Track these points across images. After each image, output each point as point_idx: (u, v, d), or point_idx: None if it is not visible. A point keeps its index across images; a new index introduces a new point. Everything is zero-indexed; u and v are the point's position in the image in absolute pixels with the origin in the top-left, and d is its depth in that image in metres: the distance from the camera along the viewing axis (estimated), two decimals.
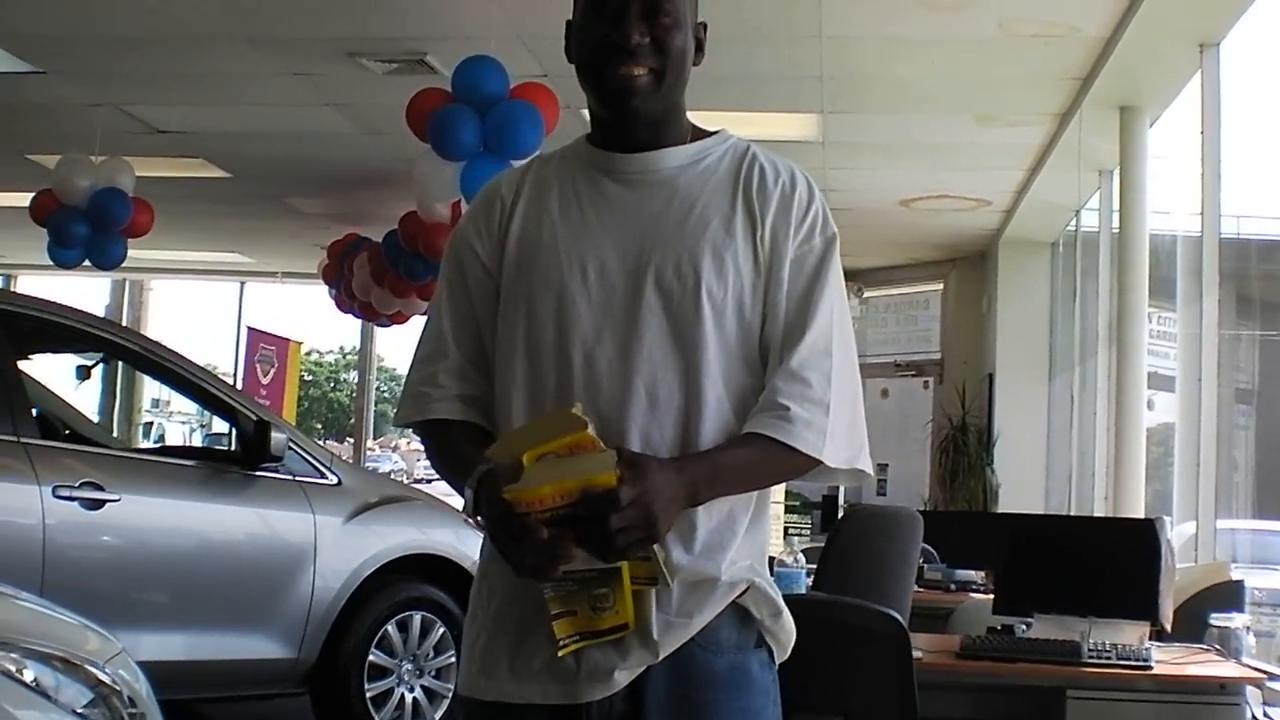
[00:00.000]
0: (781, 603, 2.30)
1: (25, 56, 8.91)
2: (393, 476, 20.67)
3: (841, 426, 2.23)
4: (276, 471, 6.52)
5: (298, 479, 6.61)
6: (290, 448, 6.54)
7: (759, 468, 2.22)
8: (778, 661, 2.33)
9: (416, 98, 7.85)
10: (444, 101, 7.74)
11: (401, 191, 9.99)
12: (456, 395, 2.33)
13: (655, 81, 2.28)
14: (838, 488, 14.75)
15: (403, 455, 50.98)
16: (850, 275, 12.12)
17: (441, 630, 7.06)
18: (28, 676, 3.01)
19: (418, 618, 7.01)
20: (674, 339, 2.22)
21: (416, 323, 13.77)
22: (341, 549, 6.68)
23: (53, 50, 8.83)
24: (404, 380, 2.47)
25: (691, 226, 2.27)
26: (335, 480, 6.80)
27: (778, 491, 14.35)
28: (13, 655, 3.01)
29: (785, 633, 2.32)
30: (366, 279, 12.82)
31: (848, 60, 8.32)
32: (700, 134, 2.39)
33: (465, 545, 6.98)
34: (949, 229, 13.01)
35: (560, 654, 2.08)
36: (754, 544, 2.29)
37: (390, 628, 6.89)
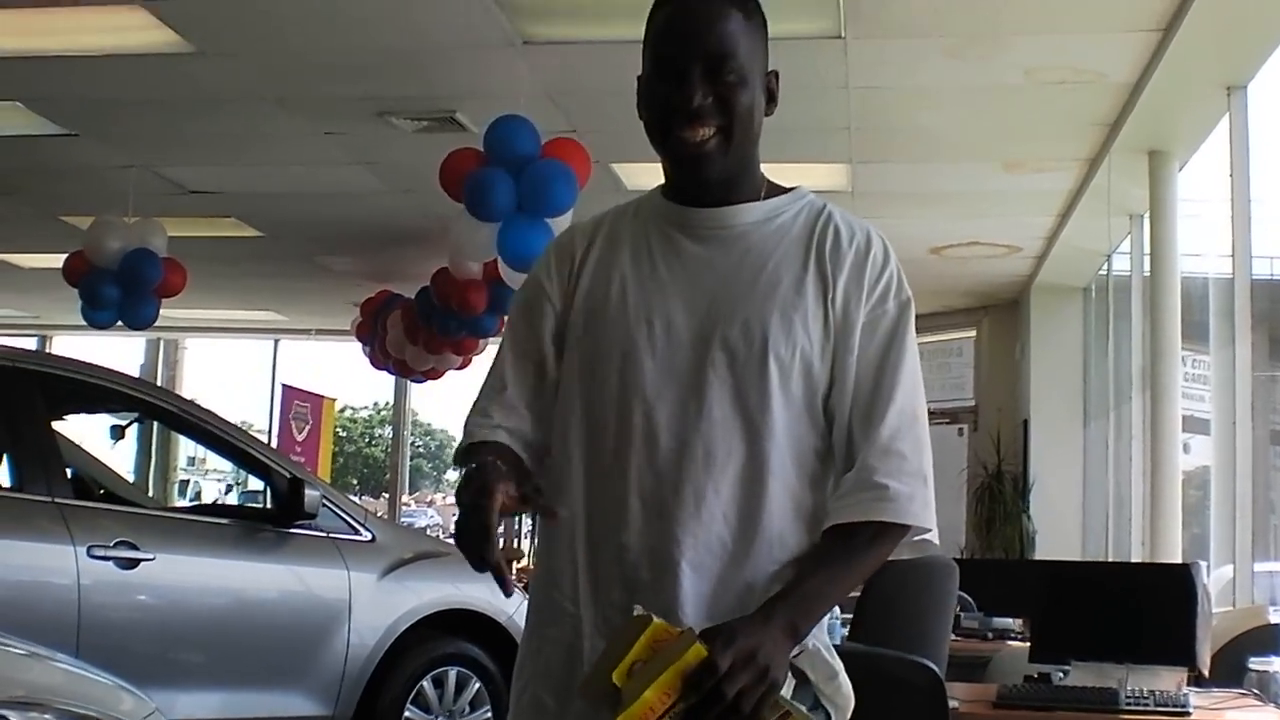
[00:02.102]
0: (838, 666, 2.24)
1: (57, 120, 9.00)
2: (428, 532, 20.69)
3: (931, 497, 2.20)
4: (311, 529, 6.53)
5: (332, 536, 6.62)
6: (324, 504, 6.55)
7: (856, 567, 2.19)
8: None
9: (450, 158, 7.87)
10: (477, 162, 7.75)
11: (433, 248, 10.04)
12: (500, 425, 2.31)
13: (723, 141, 2.22)
14: None
15: (438, 510, 51.01)
16: None
17: (477, 686, 7.05)
18: None
19: (453, 673, 7.00)
20: (737, 399, 2.18)
21: (451, 379, 13.81)
22: (376, 605, 6.68)
23: (84, 113, 8.92)
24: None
25: (762, 286, 2.23)
26: (369, 536, 6.81)
27: None
28: (46, 717, 3.02)
29: (842, 696, 2.25)
30: (400, 336, 12.86)
31: (875, 110, 8.34)
32: (776, 190, 2.34)
33: (500, 600, 6.94)
34: (980, 276, 13.00)
35: None
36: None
37: (426, 684, 6.89)
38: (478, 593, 7.03)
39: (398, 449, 19.88)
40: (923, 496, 2.17)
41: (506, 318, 2.45)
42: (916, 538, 2.21)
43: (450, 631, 7.02)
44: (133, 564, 5.85)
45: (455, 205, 7.93)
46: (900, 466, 2.16)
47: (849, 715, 2.29)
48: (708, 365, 2.19)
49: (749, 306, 2.21)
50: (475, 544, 1.98)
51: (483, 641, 7.05)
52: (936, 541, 2.26)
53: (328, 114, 8.62)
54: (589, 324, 2.29)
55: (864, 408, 2.21)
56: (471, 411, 2.36)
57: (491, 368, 2.40)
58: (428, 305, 11.22)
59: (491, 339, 11.73)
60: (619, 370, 2.23)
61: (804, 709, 2.03)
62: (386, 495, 22.17)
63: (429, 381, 14.15)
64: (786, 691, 2.08)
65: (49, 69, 8.01)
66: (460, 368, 13.30)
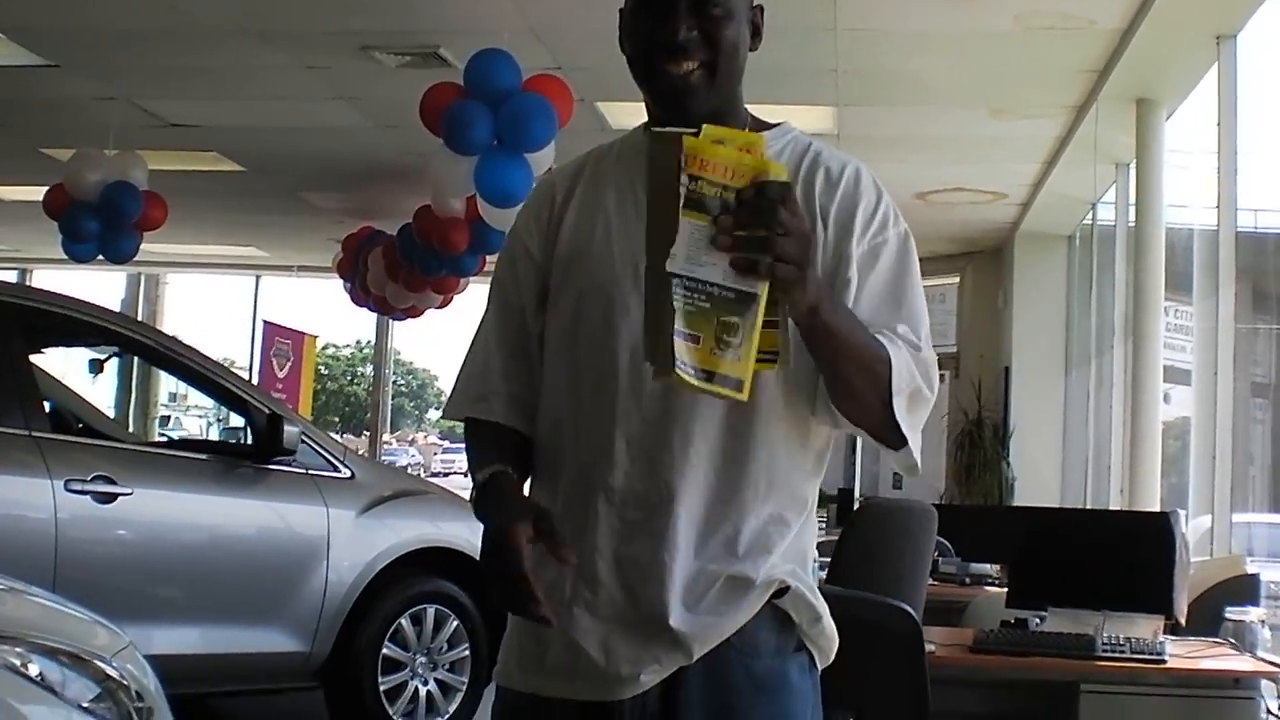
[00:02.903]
0: (822, 608, 2.23)
1: (38, 50, 8.91)
2: (409, 470, 20.70)
3: (916, 405, 2.13)
4: (290, 465, 6.51)
5: (311, 473, 6.59)
6: (303, 441, 6.53)
7: (865, 356, 2.07)
8: (820, 667, 2.28)
9: (429, 92, 7.83)
10: (456, 96, 7.71)
11: (415, 185, 9.98)
12: (505, 394, 2.30)
13: (708, 76, 2.20)
14: (853, 481, 14.75)
15: (419, 449, 51.13)
16: None
17: (455, 624, 7.04)
18: (33, 671, 3.00)
19: (431, 611, 7.00)
20: None
21: (432, 316, 13.78)
22: (355, 542, 6.66)
23: (65, 44, 8.84)
24: (458, 370, 2.42)
25: None
26: (348, 474, 6.79)
27: None
28: (18, 650, 3.00)
29: (826, 638, 2.26)
30: (381, 273, 12.82)
31: (863, 54, 8.29)
32: (761, 126, 2.31)
33: (478, 539, 6.93)
34: (965, 223, 12.98)
35: (671, 379, 1.86)
36: (799, 548, 2.22)
37: (404, 621, 6.88)
38: (457, 531, 7.01)
39: (379, 387, 19.88)
40: (909, 365, 2.10)
41: (493, 272, 2.42)
42: (900, 427, 2.11)
43: (429, 570, 7.00)
44: (110, 498, 5.82)
45: (437, 141, 7.89)
46: (909, 337, 2.15)
47: (831, 657, 2.29)
48: None
49: None
50: (518, 602, 2.01)
51: (461, 580, 7.03)
52: (918, 465, 2.18)
53: (311, 48, 8.55)
54: (572, 266, 2.27)
55: (885, 310, 2.17)
56: (468, 373, 2.36)
57: (480, 325, 2.38)
58: (409, 243, 11.17)
59: (473, 278, 11.71)
60: (603, 314, 2.20)
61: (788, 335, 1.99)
62: (368, 433, 22.16)
63: (409, 319, 14.13)
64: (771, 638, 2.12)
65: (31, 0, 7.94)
66: (440, 306, 13.28)
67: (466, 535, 6.97)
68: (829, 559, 5.56)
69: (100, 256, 10.74)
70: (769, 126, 2.31)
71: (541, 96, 7.67)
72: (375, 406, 20.26)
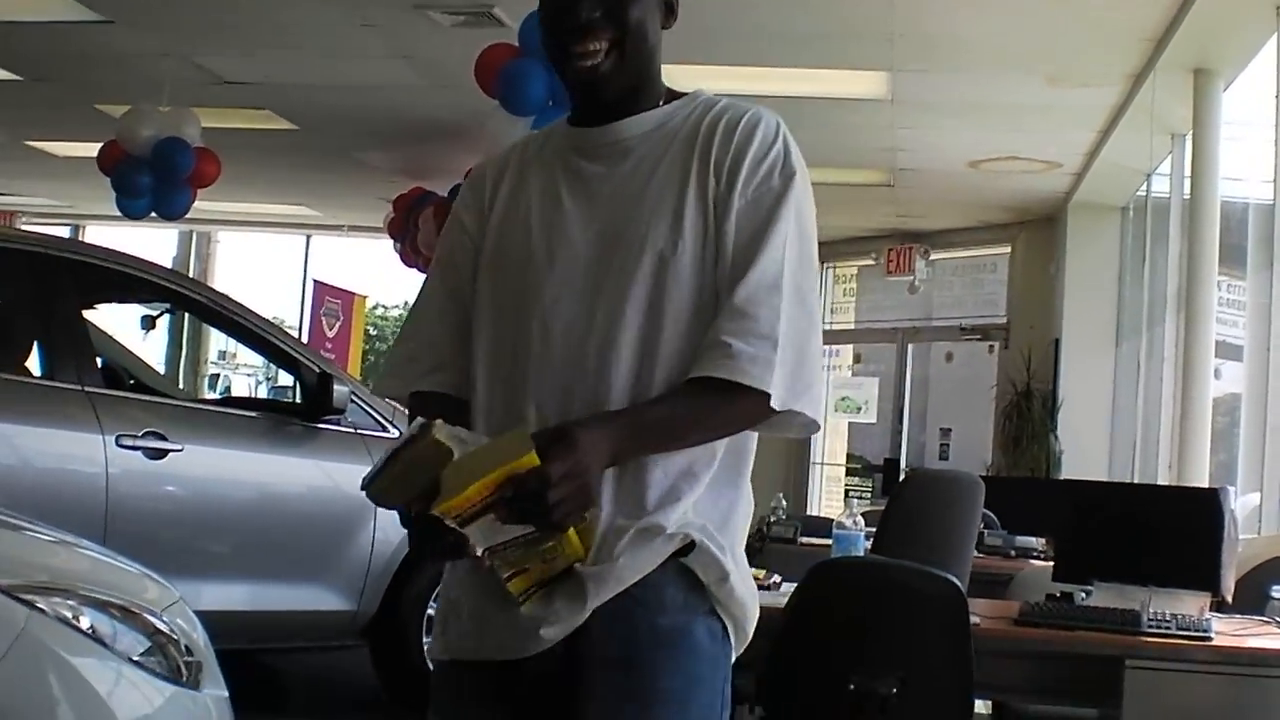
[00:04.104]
0: (734, 570, 2.21)
1: (93, 6, 8.94)
2: None
3: (786, 364, 2.14)
4: (339, 424, 6.54)
5: (360, 432, 6.62)
6: (353, 401, 6.55)
7: (695, 414, 2.15)
8: (735, 644, 2.27)
9: (485, 53, 7.84)
10: (512, 56, 7.71)
11: (468, 145, 9.97)
12: (455, 367, 2.35)
13: (617, 57, 2.24)
14: (899, 451, 14.72)
15: None
16: (917, 237, 12.04)
17: None
18: (84, 623, 3.03)
19: None
20: (630, 307, 2.18)
21: None
22: None
23: (121, 0, 8.87)
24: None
25: (650, 195, 2.24)
26: (397, 434, 6.81)
27: (838, 454, 14.34)
28: (70, 602, 3.04)
29: (736, 603, 2.24)
30: (432, 234, 12.81)
31: (919, 18, 8.23)
32: (675, 96, 2.35)
33: None
34: (1018, 191, 12.89)
35: (523, 608, 2.07)
36: (718, 506, 2.22)
37: None
38: None
39: None
40: (766, 358, 2.12)
41: (436, 250, 2.50)
42: (781, 406, 2.14)
43: None
44: (161, 454, 5.87)
45: (490, 101, 7.87)
46: (747, 327, 2.13)
47: (750, 628, 2.29)
48: (601, 278, 2.21)
49: (638, 218, 2.23)
50: (441, 548, 2.02)
51: None
52: (817, 419, 2.21)
53: (365, 5, 8.53)
54: (496, 252, 2.34)
55: (729, 276, 2.18)
56: (401, 351, 2.44)
57: (417, 302, 2.44)
58: None
59: None
60: (519, 291, 2.27)
61: (595, 516, 2.08)
62: None
63: None
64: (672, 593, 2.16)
65: None
66: None
67: None
68: (874, 529, 5.55)
69: (153, 213, 10.80)
70: (680, 96, 2.35)
71: None
72: None
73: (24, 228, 16.09)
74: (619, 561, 2.12)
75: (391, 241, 14.40)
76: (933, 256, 14.92)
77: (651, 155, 2.28)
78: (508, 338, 2.26)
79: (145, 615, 3.19)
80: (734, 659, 2.27)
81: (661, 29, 2.32)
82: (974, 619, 4.14)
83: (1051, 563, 5.15)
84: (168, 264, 15.81)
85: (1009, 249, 14.67)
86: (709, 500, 2.20)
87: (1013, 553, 6.74)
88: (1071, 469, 12.44)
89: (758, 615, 2.29)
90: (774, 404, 2.12)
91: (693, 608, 2.19)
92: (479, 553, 1.97)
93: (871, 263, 15.57)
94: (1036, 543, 6.80)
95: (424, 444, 1.97)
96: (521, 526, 1.97)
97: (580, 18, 2.21)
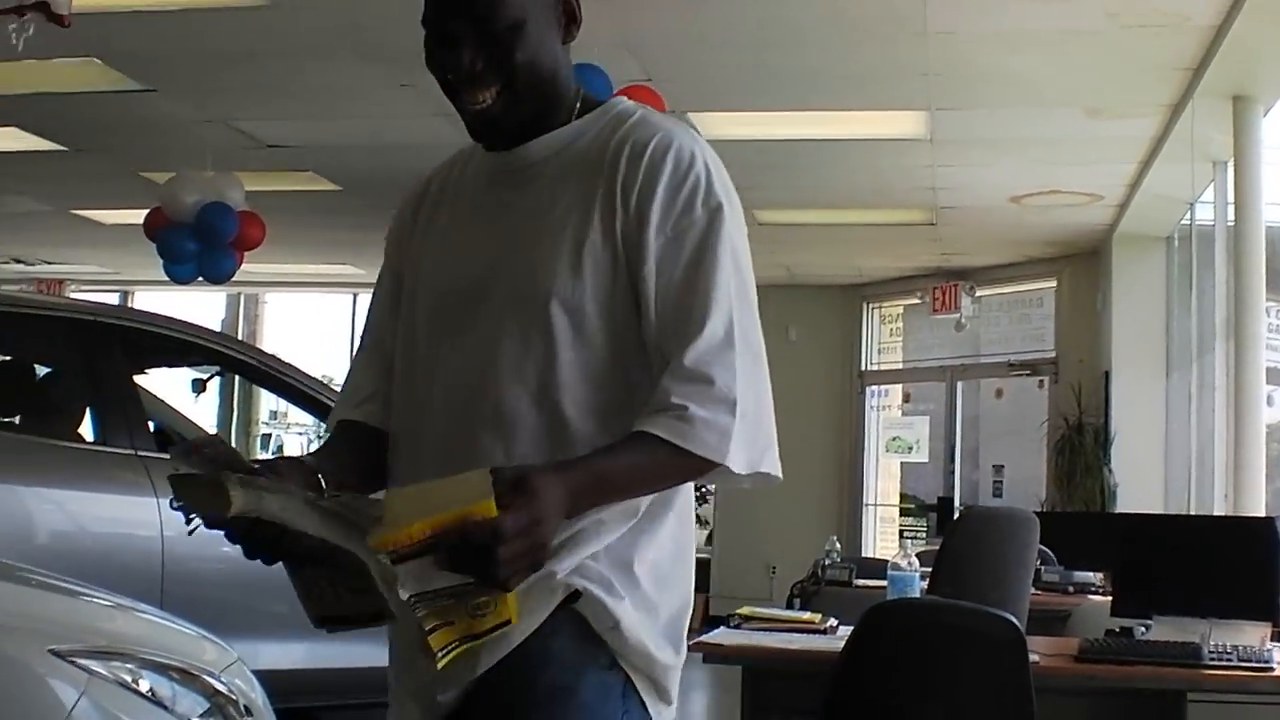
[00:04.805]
0: (625, 617, 2.01)
1: (135, 75, 9.04)
2: None
3: (745, 425, 1.97)
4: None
5: None
6: None
7: (649, 471, 1.97)
8: (648, 700, 2.06)
9: None
10: None
11: None
12: (361, 399, 2.26)
13: (509, 98, 2.09)
14: (953, 490, 14.64)
15: None
16: (962, 274, 11.98)
17: None
18: (144, 686, 3.05)
19: None
20: (527, 355, 2.02)
21: None
22: None
23: (162, 68, 8.96)
24: None
25: (551, 225, 2.07)
26: None
27: (891, 494, 14.26)
28: (129, 666, 3.06)
29: (639, 655, 2.03)
30: None
31: (954, 56, 8.23)
32: (591, 105, 2.18)
33: None
34: (1061, 225, 12.84)
35: (440, 665, 1.81)
36: (631, 549, 2.04)
37: None
38: None
39: None
40: (723, 426, 1.95)
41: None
42: (744, 470, 1.98)
43: None
44: None
45: None
46: (703, 391, 1.95)
47: (669, 682, 2.09)
48: (496, 320, 2.06)
49: (536, 250, 2.06)
50: None
51: None
52: (776, 474, 2.04)
53: (405, 65, 8.56)
54: (411, 284, 2.23)
55: (671, 329, 1.99)
56: (345, 379, 2.33)
57: (363, 330, 2.36)
58: None
59: None
60: (425, 333, 2.15)
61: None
62: None
63: None
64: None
65: (124, 24, 8.05)
66: None
67: None
68: (930, 569, 5.53)
69: (200, 278, 10.88)
70: (598, 104, 2.20)
71: None
72: None
73: (73, 296, 16.24)
74: None
75: None
76: (978, 293, 14.87)
77: (556, 181, 2.11)
78: (412, 392, 2.15)
79: (204, 677, 3.21)
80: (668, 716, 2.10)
81: (564, 43, 2.16)
82: (1033, 657, 4.11)
83: (1110, 597, 5.11)
84: (216, 327, 15.94)
85: (1055, 283, 14.60)
86: (622, 545, 2.03)
87: (1070, 589, 6.70)
88: (1126, 502, 12.34)
89: (679, 665, 2.10)
90: (738, 469, 1.97)
91: (585, 660, 2.01)
92: (404, 596, 1.76)
93: (917, 302, 15.52)
94: (1094, 578, 6.76)
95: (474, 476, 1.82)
96: (459, 576, 1.77)
97: (462, 73, 2.07)
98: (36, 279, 17.63)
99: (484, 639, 1.84)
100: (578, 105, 2.17)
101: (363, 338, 2.33)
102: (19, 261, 16.95)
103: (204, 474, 1.88)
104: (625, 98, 2.22)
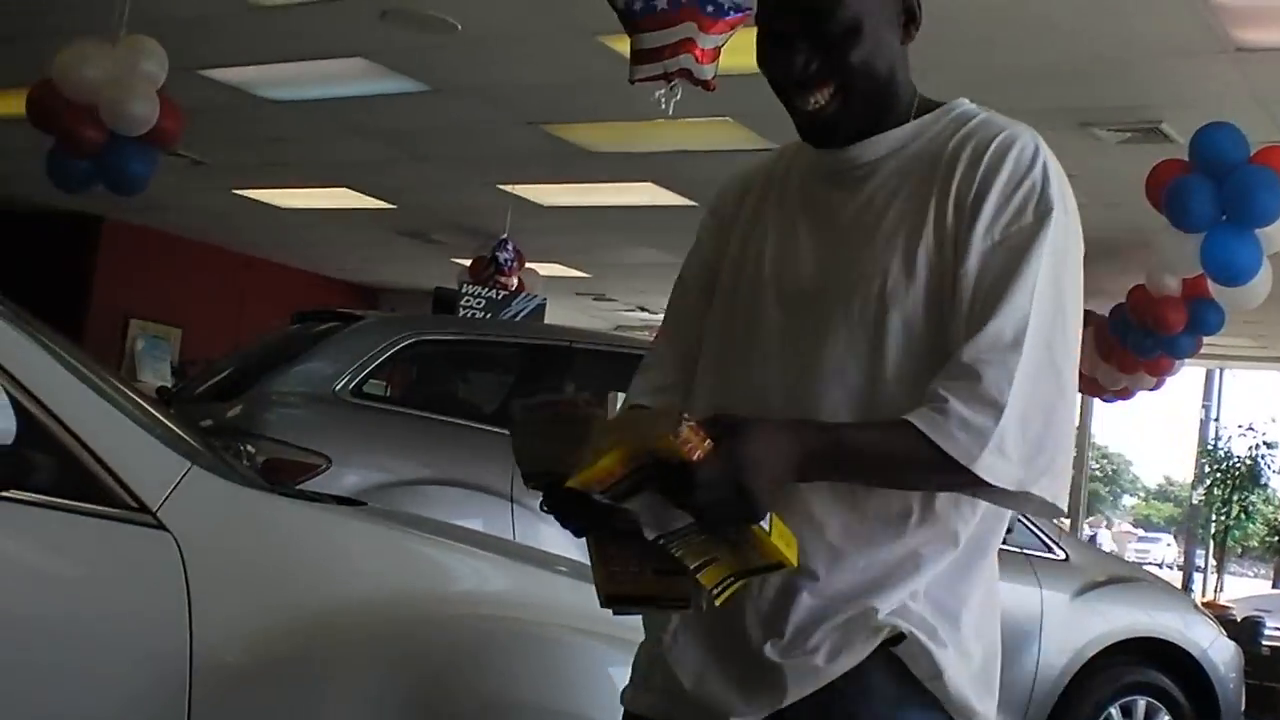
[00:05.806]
0: (949, 667, 1.90)
1: (764, 133, 9.32)
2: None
3: (1015, 437, 1.82)
4: (1004, 544, 6.48)
5: (1025, 551, 6.57)
6: (1020, 521, 6.50)
7: (898, 459, 1.84)
8: None
9: (1156, 169, 7.77)
10: (1180, 172, 7.60)
11: (1123, 264, 9.78)
12: (656, 387, 2.19)
13: (843, 101, 2.00)
14: None
15: (1114, 537, 49.89)
16: None
17: (1166, 719, 6.81)
18: None
19: (1141, 703, 6.83)
20: (856, 354, 1.94)
21: (1141, 398, 13.44)
22: (1068, 626, 6.58)
23: (788, 124, 9.24)
24: None
25: (885, 227, 1.99)
26: (1063, 556, 6.73)
27: None
28: None
29: (959, 707, 1.92)
30: (1092, 354, 12.62)
31: None
32: (928, 108, 2.08)
33: (1193, 631, 6.83)
34: None
35: (719, 602, 1.75)
36: (954, 595, 1.95)
37: (1113, 711, 6.74)
38: (1170, 621, 6.90)
39: (1079, 470, 19.56)
40: (982, 428, 1.80)
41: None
42: (1005, 485, 1.83)
43: (1139, 659, 6.81)
44: None
45: (1140, 218, 7.76)
46: (970, 388, 1.82)
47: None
48: (828, 324, 1.97)
49: (868, 251, 1.97)
50: None
51: (1173, 672, 6.82)
52: (1056, 503, 1.87)
53: (1031, 123, 8.53)
54: (731, 279, 2.14)
55: (963, 330, 1.88)
56: (639, 369, 2.25)
57: (663, 319, 2.29)
58: (1122, 323, 10.94)
59: (1184, 360, 11.34)
60: (746, 327, 2.07)
61: (779, 533, 1.75)
62: (1067, 518, 21.85)
63: (1117, 401, 13.80)
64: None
65: (762, 84, 8.36)
66: (1153, 388, 12.90)
67: (1179, 626, 6.87)
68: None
69: None
70: (937, 105, 2.08)
71: (1269, 169, 7.42)
72: (1075, 490, 19.94)
73: None
74: (818, 654, 1.89)
75: None
76: None
77: (891, 182, 2.02)
78: (729, 390, 2.06)
79: None
80: None
81: (903, 43, 2.06)
82: None
83: None
84: None
85: None
86: (943, 587, 1.94)
87: None
88: None
89: (994, 716, 1.98)
90: (994, 480, 1.82)
91: (906, 698, 1.91)
92: (651, 536, 1.72)
93: None
94: None
95: (579, 402, 1.82)
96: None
97: (795, 74, 1.99)
98: (654, 326, 18.66)
99: (759, 574, 1.78)
100: (913, 105, 2.08)
101: (665, 323, 2.28)
102: (643, 310, 17.88)
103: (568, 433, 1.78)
104: (966, 99, 2.12)
